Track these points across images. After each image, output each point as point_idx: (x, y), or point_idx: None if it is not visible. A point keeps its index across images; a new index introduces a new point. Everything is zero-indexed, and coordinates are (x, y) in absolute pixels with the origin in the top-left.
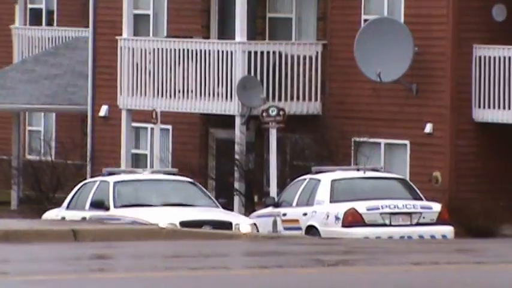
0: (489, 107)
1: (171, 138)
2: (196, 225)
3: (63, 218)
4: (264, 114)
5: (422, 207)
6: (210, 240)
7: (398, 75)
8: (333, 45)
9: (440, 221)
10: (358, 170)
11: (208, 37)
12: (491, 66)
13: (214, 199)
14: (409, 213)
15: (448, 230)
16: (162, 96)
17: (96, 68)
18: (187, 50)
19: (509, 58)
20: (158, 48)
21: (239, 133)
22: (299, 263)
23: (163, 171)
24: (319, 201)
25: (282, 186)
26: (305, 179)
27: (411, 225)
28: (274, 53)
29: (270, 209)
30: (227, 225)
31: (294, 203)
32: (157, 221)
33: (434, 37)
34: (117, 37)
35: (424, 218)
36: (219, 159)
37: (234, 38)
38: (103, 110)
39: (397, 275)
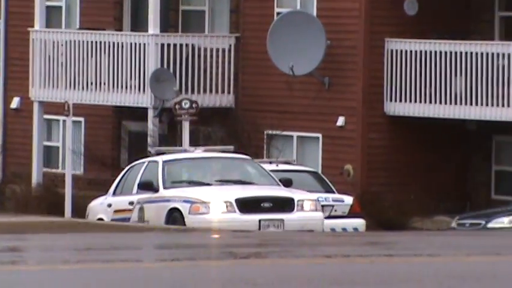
0: (400, 100)
1: (84, 131)
2: (254, 202)
3: (109, 205)
4: (177, 106)
5: (334, 200)
6: (122, 232)
7: (311, 69)
8: (246, 38)
9: (352, 213)
10: (270, 163)
11: (121, 29)
12: (402, 60)
13: (275, 177)
14: (321, 206)
15: (359, 222)
16: (74, 88)
17: (7, 60)
18: (100, 42)
19: (421, 52)
20: (70, 40)
21: (152, 125)
22: (211, 255)
23: (218, 149)
24: None
25: None
26: None
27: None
28: (187, 45)
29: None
30: (289, 201)
31: None
32: (211, 199)
33: (347, 30)
34: (29, 29)
35: (336, 210)
36: (132, 152)
37: (146, 31)
38: (15, 102)
39: (309, 267)
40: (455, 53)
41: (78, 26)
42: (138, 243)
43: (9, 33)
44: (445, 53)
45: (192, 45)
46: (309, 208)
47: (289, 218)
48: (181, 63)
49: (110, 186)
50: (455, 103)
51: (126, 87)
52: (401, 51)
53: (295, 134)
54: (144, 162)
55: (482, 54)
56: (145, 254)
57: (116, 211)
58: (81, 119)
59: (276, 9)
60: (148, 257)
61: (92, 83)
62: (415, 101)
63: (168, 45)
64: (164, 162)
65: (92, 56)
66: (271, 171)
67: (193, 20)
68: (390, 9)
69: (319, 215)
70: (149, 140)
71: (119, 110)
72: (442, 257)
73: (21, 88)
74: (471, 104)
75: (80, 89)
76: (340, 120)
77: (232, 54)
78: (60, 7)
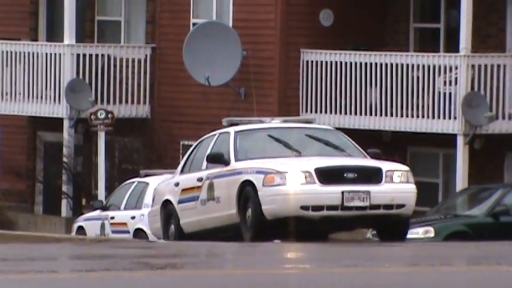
0: (316, 111)
1: None
2: (336, 172)
3: (177, 184)
4: (93, 117)
5: None
6: (38, 243)
7: (227, 79)
8: (162, 48)
9: None
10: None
11: (36, 39)
12: (318, 71)
13: (361, 150)
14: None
15: None
16: None
17: None
18: (15, 52)
19: (336, 63)
20: None
21: (67, 136)
22: (127, 266)
23: (297, 120)
24: (148, 205)
25: (110, 189)
26: (133, 182)
27: None
28: (103, 55)
29: (98, 212)
30: (376, 172)
31: (122, 207)
32: (287, 169)
33: (263, 41)
34: None
35: None
36: (47, 162)
37: (62, 41)
38: None
39: (223, 278)
40: (371, 64)
41: None
42: (54, 253)
43: None
44: (360, 64)
45: (108, 55)
46: (399, 180)
47: (377, 190)
48: (97, 73)
49: (25, 197)
50: (371, 114)
51: (42, 98)
52: (316, 62)
53: None
54: (214, 135)
55: (397, 65)
56: (60, 264)
57: (183, 190)
58: None
59: (192, 20)
60: (64, 268)
61: (7, 93)
62: (331, 112)
63: (84, 55)
64: (236, 132)
65: (7, 66)
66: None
67: (109, 30)
68: (306, 21)
69: (411, 187)
70: (65, 150)
71: (35, 120)
72: (359, 267)
73: None
74: (386, 115)
75: None
76: None
77: (148, 64)
78: None
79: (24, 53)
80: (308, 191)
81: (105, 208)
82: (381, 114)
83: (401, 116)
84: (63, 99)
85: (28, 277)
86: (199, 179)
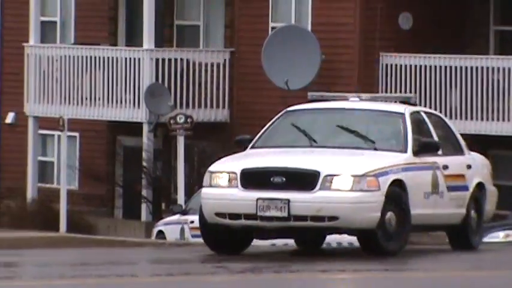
0: None
1: (79, 146)
2: (261, 175)
3: None
4: (172, 121)
5: None
6: (118, 247)
7: (306, 83)
8: (241, 52)
9: None
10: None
11: (115, 44)
12: (397, 74)
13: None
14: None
15: None
16: (69, 103)
17: (2, 75)
18: (95, 57)
19: (416, 66)
20: (65, 56)
21: (147, 140)
22: (207, 270)
23: (390, 97)
24: None
25: (189, 193)
26: None
27: None
28: (182, 60)
29: (177, 217)
30: (309, 176)
31: None
32: (221, 169)
33: (342, 45)
34: (23, 44)
35: None
36: (127, 167)
37: (141, 45)
38: (10, 117)
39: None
40: (450, 67)
41: (73, 41)
42: (134, 258)
43: (4, 48)
44: (440, 67)
45: (187, 59)
46: (341, 187)
47: (301, 198)
48: (176, 77)
49: (105, 201)
50: (451, 117)
51: (121, 102)
52: (396, 65)
53: None
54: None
55: (477, 68)
56: (140, 269)
57: None
58: (76, 134)
59: (271, 24)
60: (144, 272)
61: (86, 98)
62: None
63: (163, 60)
64: (286, 112)
65: (86, 71)
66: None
67: (188, 35)
68: (385, 24)
69: (352, 196)
70: (144, 154)
71: (114, 125)
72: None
73: (16, 103)
74: (466, 118)
75: (75, 104)
76: None
77: (227, 68)
78: (55, 22)
79: (103, 58)
80: (224, 196)
81: (184, 212)
82: (461, 118)
83: (482, 119)
84: (142, 103)
85: (108, 281)
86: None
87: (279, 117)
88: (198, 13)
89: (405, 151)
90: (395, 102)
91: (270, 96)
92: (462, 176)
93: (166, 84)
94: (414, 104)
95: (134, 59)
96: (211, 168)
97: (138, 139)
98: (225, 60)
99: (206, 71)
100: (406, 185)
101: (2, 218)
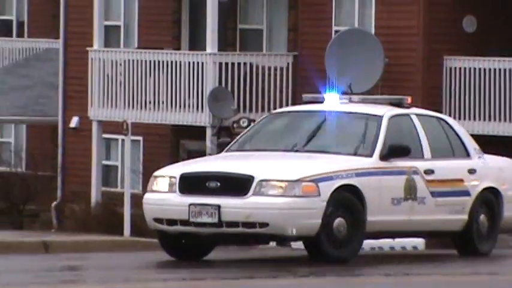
0: (460, 118)
1: (142, 150)
2: (198, 180)
3: None
4: (235, 125)
5: None
6: None
7: (369, 87)
8: (304, 56)
9: None
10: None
11: (179, 48)
12: (461, 78)
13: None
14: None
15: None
16: (132, 107)
17: (66, 79)
18: (158, 61)
19: (480, 69)
20: (129, 60)
21: (210, 144)
22: (271, 274)
23: (382, 100)
24: None
25: None
26: None
27: None
28: (245, 64)
29: None
30: (243, 181)
31: None
32: (165, 173)
33: (405, 48)
34: (87, 48)
35: None
36: None
37: (204, 49)
38: (74, 121)
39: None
40: None
41: (136, 45)
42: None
43: (68, 52)
44: (505, 70)
45: (250, 63)
46: (275, 192)
47: (231, 204)
48: (239, 81)
49: None
50: None
51: (184, 106)
52: (460, 68)
53: None
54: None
55: None
56: (205, 271)
57: None
58: (140, 138)
59: (334, 28)
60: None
61: (150, 102)
62: (475, 119)
63: (226, 64)
64: (270, 115)
65: (150, 75)
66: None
67: (251, 39)
68: (449, 27)
69: (284, 202)
70: None
71: (177, 128)
72: None
73: (80, 107)
74: None
75: (139, 108)
76: None
77: (290, 72)
78: (119, 26)
79: (167, 62)
80: (162, 201)
81: None
82: None
83: None
84: (205, 107)
85: (173, 285)
86: None
87: (261, 120)
88: (261, 17)
89: (371, 155)
90: (389, 104)
91: None
92: (459, 181)
93: (229, 88)
94: (407, 107)
95: (197, 63)
96: (156, 172)
97: (201, 143)
98: (288, 63)
99: (269, 74)
100: (362, 190)
101: (67, 222)
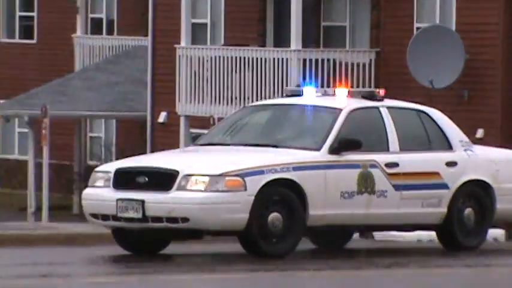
0: None
1: None
2: (130, 175)
3: None
4: None
5: None
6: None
7: (450, 82)
8: (386, 52)
9: None
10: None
11: (264, 45)
12: None
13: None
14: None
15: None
16: (219, 102)
17: (155, 76)
18: (244, 58)
19: None
20: (215, 56)
21: None
22: (354, 264)
23: (358, 92)
24: None
25: None
26: None
27: None
28: (328, 60)
29: None
30: (168, 176)
31: None
32: (106, 168)
33: (486, 44)
34: (175, 45)
35: None
36: None
37: (289, 46)
38: (162, 117)
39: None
40: None
41: (222, 42)
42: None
43: (156, 50)
44: None
45: (333, 60)
46: (199, 187)
47: (154, 199)
48: (322, 77)
49: None
50: None
51: None
52: None
53: None
54: None
55: None
56: (292, 263)
57: None
58: None
59: (416, 24)
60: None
61: (236, 98)
62: None
63: (310, 60)
64: (243, 108)
65: (236, 72)
66: None
67: (334, 36)
68: None
69: (204, 196)
70: None
71: None
72: None
73: (168, 103)
74: None
75: (225, 104)
76: (479, 133)
77: (373, 68)
78: (206, 24)
79: (252, 58)
80: (96, 196)
81: None
82: None
83: None
84: None
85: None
86: None
87: (236, 113)
88: (344, 14)
89: (319, 149)
90: (361, 97)
91: (415, 95)
92: (434, 174)
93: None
94: (378, 99)
95: (282, 59)
96: (97, 168)
97: None
98: (370, 60)
99: (352, 70)
100: (302, 184)
101: None
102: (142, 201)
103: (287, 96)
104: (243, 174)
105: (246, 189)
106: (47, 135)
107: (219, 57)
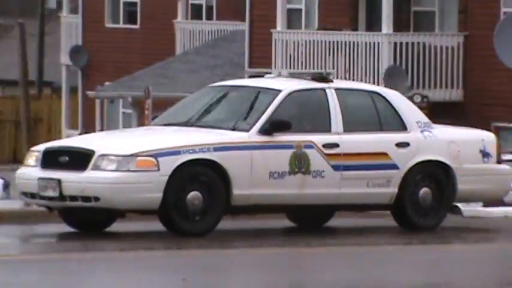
0: None
1: None
2: (54, 155)
3: None
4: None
5: None
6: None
7: None
8: (474, 36)
9: None
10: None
11: (356, 29)
12: None
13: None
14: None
15: None
16: None
17: (252, 59)
18: (337, 42)
19: None
20: (310, 40)
21: None
22: (441, 239)
23: (305, 73)
24: None
25: None
26: None
27: None
28: (418, 44)
29: None
30: (84, 156)
31: None
32: (38, 148)
33: None
34: (271, 30)
35: None
36: None
37: (380, 30)
38: None
39: None
40: None
41: (316, 27)
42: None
43: (253, 34)
44: None
45: (423, 43)
46: (112, 167)
47: (70, 178)
48: (412, 60)
49: None
50: None
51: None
52: None
53: None
54: None
55: None
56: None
57: None
58: None
59: (503, 9)
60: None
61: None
62: None
63: (401, 43)
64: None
65: (329, 55)
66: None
67: (423, 20)
68: None
69: (113, 176)
70: None
71: None
72: None
73: None
74: None
75: None
76: None
77: (461, 51)
78: (300, 9)
79: (345, 42)
80: (25, 175)
81: None
82: None
83: None
84: (381, 85)
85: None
86: None
87: (195, 92)
88: (433, 0)
89: (248, 130)
90: (311, 78)
91: (502, 76)
92: (381, 154)
93: (403, 66)
94: (330, 81)
95: (373, 43)
96: (33, 147)
97: None
98: (458, 43)
99: (441, 53)
100: (224, 165)
101: None
102: (59, 181)
103: (249, 77)
104: (156, 155)
105: (159, 169)
106: (149, 116)
107: (313, 41)
